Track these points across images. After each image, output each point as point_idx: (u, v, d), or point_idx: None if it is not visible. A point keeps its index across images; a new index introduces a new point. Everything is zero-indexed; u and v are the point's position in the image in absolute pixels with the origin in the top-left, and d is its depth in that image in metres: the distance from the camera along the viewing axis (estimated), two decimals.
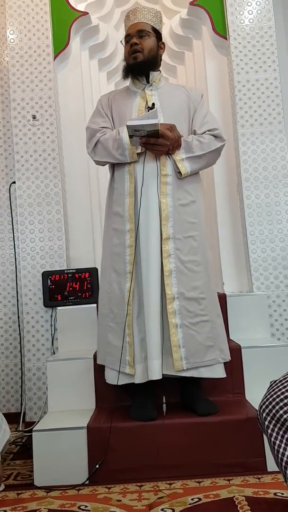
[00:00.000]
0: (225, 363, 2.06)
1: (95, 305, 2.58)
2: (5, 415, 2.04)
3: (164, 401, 2.00)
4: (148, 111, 2.07)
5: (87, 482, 1.85)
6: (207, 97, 2.99)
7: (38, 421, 2.17)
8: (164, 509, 1.58)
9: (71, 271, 2.74)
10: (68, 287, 2.71)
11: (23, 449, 2.31)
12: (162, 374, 1.92)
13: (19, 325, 2.88)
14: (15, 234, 2.95)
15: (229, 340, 2.41)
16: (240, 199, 2.83)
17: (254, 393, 2.15)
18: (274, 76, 2.81)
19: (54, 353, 2.68)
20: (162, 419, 1.93)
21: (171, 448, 1.87)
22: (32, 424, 2.51)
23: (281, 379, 1.10)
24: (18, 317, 2.89)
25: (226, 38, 2.89)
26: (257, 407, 1.95)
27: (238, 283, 2.85)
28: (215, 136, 2.12)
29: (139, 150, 2.03)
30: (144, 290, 1.97)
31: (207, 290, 2.04)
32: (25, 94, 2.87)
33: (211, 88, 2.98)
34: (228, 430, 1.89)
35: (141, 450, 1.88)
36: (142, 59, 2.12)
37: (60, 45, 2.96)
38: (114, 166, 2.15)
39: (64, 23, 2.96)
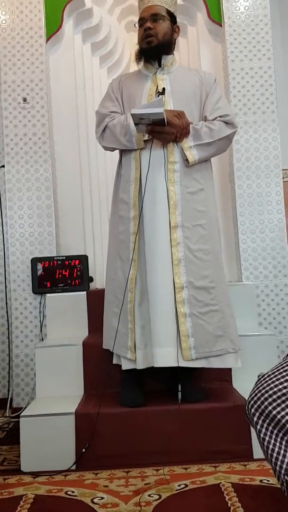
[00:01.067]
0: None
1: (84, 292, 2.58)
2: None
3: (179, 389, 1.95)
4: (158, 96, 2.03)
5: (74, 467, 1.85)
6: None
7: (26, 407, 2.17)
8: (151, 495, 1.59)
9: (60, 258, 2.72)
10: (58, 274, 2.70)
11: (9, 435, 2.31)
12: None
13: (7, 312, 2.85)
14: (3, 220, 2.91)
15: None
16: (231, 189, 2.83)
17: (242, 381, 2.17)
18: (268, 65, 2.79)
19: (42, 340, 2.67)
20: (152, 405, 1.94)
21: (158, 434, 1.88)
22: (19, 410, 2.51)
23: (269, 373, 1.05)
24: (6, 303, 2.86)
25: (221, 25, 2.86)
26: (244, 395, 1.98)
27: (228, 273, 2.85)
28: (226, 123, 2.07)
29: (146, 137, 2.00)
30: (149, 278, 1.95)
31: (217, 279, 2.01)
32: (16, 77, 2.82)
33: None
34: (216, 417, 1.90)
35: (128, 436, 1.89)
36: (155, 44, 2.07)
37: (53, 27, 2.90)
38: (121, 153, 2.13)
39: (57, 5, 2.90)
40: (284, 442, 0.99)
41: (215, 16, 2.87)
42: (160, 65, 2.13)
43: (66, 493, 1.65)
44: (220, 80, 2.90)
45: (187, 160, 2.01)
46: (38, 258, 2.71)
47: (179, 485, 1.65)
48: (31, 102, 2.81)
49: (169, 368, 1.97)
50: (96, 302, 2.44)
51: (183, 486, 1.65)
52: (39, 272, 2.70)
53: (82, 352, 2.21)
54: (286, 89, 3.14)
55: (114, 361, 2.09)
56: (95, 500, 1.57)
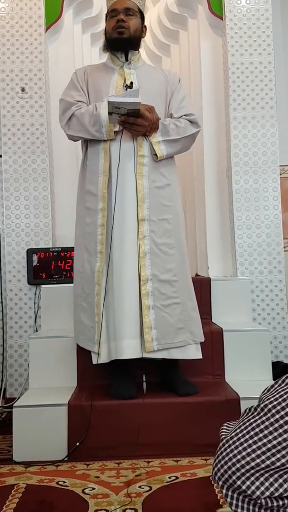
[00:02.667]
0: (202, 345, 2.07)
1: None
2: None
3: (144, 380, 2.02)
4: (126, 89, 2.04)
5: (66, 458, 1.86)
6: (200, 78, 2.95)
7: (19, 397, 2.18)
8: (142, 486, 1.60)
9: (56, 249, 2.72)
10: (53, 266, 2.70)
11: (2, 425, 2.32)
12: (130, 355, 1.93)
13: (2, 302, 2.85)
14: (0, 210, 2.90)
15: (211, 322, 2.43)
16: (228, 184, 2.83)
17: (234, 375, 2.19)
18: (269, 60, 2.78)
19: (36, 331, 2.67)
20: (142, 398, 1.95)
21: (150, 427, 1.89)
22: (12, 400, 2.51)
23: (233, 435, 0.95)
24: (1, 294, 2.86)
25: (222, 19, 2.84)
26: (236, 390, 2.00)
27: (223, 268, 2.87)
28: (191, 122, 2.11)
29: (116, 128, 1.99)
30: (115, 270, 1.96)
31: (180, 273, 2.05)
32: (15, 66, 2.79)
33: (205, 69, 2.94)
34: (207, 411, 1.92)
35: (120, 428, 1.90)
36: (127, 36, 2.08)
37: (53, 17, 2.87)
38: (87, 143, 2.10)
39: None
40: (257, 510, 0.92)
41: (217, 9, 2.85)
42: (127, 59, 2.14)
43: (57, 483, 1.66)
44: (219, 74, 2.91)
45: (155, 154, 2.03)
46: (33, 249, 2.71)
47: (169, 477, 1.67)
48: (29, 92, 2.79)
49: (156, 361, 1.99)
50: None
51: (174, 478, 1.66)
52: (35, 263, 2.70)
53: (75, 344, 2.21)
54: (285, 85, 3.13)
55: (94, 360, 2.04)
56: (86, 491, 1.59)
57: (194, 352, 2.05)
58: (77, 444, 1.87)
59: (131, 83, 2.05)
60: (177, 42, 3.33)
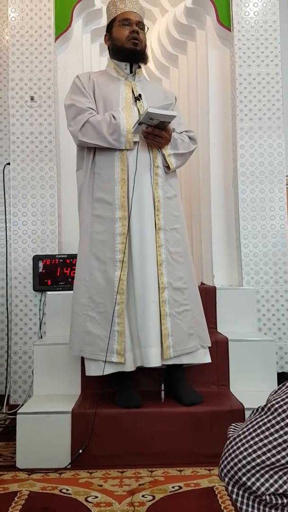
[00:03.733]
0: (212, 352, 2.11)
1: None
2: None
3: (162, 389, 2.03)
4: (135, 101, 2.08)
5: (69, 466, 1.86)
6: (208, 88, 2.97)
7: (23, 404, 2.18)
8: (145, 496, 1.60)
9: (62, 256, 2.73)
10: (59, 272, 2.71)
11: (6, 431, 2.31)
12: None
13: (7, 308, 2.86)
14: (7, 217, 2.92)
15: (216, 332, 2.43)
16: (235, 193, 2.83)
17: (239, 386, 2.18)
18: (276, 71, 2.80)
19: (41, 338, 2.67)
20: (149, 407, 1.95)
21: (154, 436, 1.89)
22: (16, 407, 2.51)
23: (240, 433, 0.97)
24: (7, 300, 2.87)
25: (230, 30, 2.86)
26: (241, 400, 1.99)
27: (229, 277, 2.86)
28: (190, 138, 2.18)
29: (136, 139, 2.01)
30: (138, 279, 1.97)
31: (189, 280, 2.10)
32: (24, 75, 2.83)
33: (212, 80, 2.96)
34: (212, 421, 1.91)
35: (124, 437, 1.89)
36: (140, 49, 2.13)
37: (62, 26, 2.91)
38: (95, 150, 2.08)
39: (67, 4, 2.91)
40: (261, 508, 0.93)
41: (225, 20, 2.88)
42: (131, 71, 2.17)
43: (60, 491, 1.66)
44: (227, 84, 2.93)
45: (167, 166, 2.08)
46: (39, 256, 2.72)
47: (173, 487, 1.66)
48: (38, 101, 2.82)
49: (160, 369, 1.99)
50: None
51: (177, 488, 1.65)
52: (40, 269, 2.71)
53: None
54: None
55: (88, 372, 2.02)
56: (89, 499, 1.58)
57: (202, 357, 2.09)
58: (80, 451, 1.87)
59: (140, 95, 2.09)
60: (185, 52, 3.35)
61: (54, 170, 2.79)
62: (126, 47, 2.11)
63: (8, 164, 2.86)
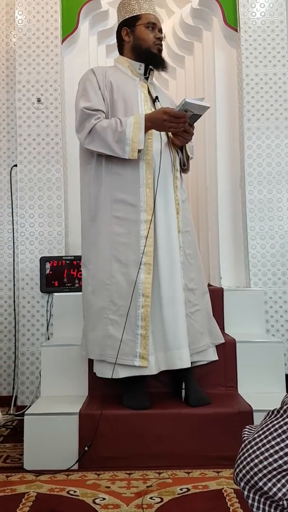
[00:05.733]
0: (220, 355, 2.16)
1: None
2: None
3: (183, 387, 2.05)
4: (153, 103, 2.09)
5: (76, 466, 1.85)
6: (215, 89, 2.97)
7: (30, 405, 2.17)
8: (153, 498, 1.59)
9: (69, 257, 2.73)
10: (66, 274, 2.71)
11: (13, 432, 2.31)
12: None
13: (14, 310, 2.87)
14: (14, 218, 2.93)
15: (224, 333, 2.41)
16: (242, 194, 2.82)
17: (247, 387, 2.17)
18: (283, 72, 2.79)
19: (48, 339, 2.68)
20: (156, 409, 1.94)
21: (161, 437, 1.88)
22: (24, 408, 2.51)
23: (255, 436, 0.95)
24: (14, 302, 2.88)
25: (236, 30, 2.86)
26: (249, 402, 1.97)
27: (236, 278, 2.85)
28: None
29: (141, 147, 1.93)
30: (166, 281, 1.98)
31: (199, 281, 2.15)
32: (31, 77, 2.84)
33: (219, 80, 2.95)
34: (220, 423, 1.89)
35: (131, 438, 1.89)
36: (162, 55, 2.16)
37: (69, 28, 2.92)
38: None
39: (74, 6, 2.91)
40: None
41: (231, 21, 2.87)
42: (145, 73, 2.17)
43: (68, 492, 1.65)
44: (234, 85, 2.92)
45: (184, 169, 2.15)
46: (46, 258, 2.72)
47: (181, 489, 1.65)
48: (45, 103, 2.82)
49: (171, 371, 1.98)
50: None
51: (185, 490, 1.64)
52: (47, 271, 2.71)
53: None
54: None
55: (102, 374, 2.00)
56: (97, 501, 1.58)
57: (211, 354, 2.14)
58: (86, 449, 1.86)
59: (156, 97, 2.11)
60: (192, 53, 3.35)
61: (61, 171, 2.80)
62: (153, 51, 2.12)
63: (15, 165, 2.87)
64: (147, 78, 2.17)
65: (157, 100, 2.11)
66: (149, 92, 2.13)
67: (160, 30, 2.15)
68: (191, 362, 2.00)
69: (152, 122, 1.94)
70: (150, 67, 2.16)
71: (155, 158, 2.01)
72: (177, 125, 1.91)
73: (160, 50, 2.14)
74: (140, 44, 2.12)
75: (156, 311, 1.97)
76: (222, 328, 2.47)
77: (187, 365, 1.93)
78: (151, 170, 2.01)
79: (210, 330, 2.14)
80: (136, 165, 2.01)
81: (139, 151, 1.94)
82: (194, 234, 2.19)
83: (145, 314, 1.95)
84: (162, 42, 2.16)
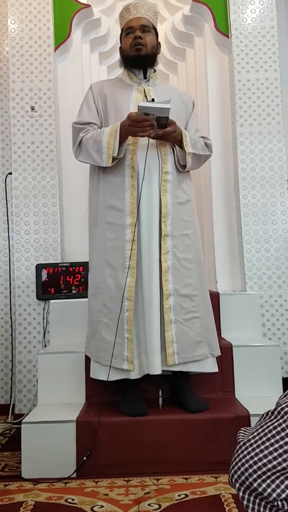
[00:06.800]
0: (217, 359, 2.09)
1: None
2: None
3: (160, 395, 2.01)
4: (153, 101, 2.04)
5: (74, 475, 1.85)
6: (207, 95, 2.98)
7: (27, 414, 2.17)
8: (151, 504, 1.59)
9: (65, 264, 2.74)
10: (62, 281, 2.71)
11: (11, 441, 2.31)
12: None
13: (11, 317, 2.87)
14: (10, 226, 2.93)
15: (220, 338, 2.42)
16: (236, 198, 2.84)
17: (244, 392, 2.17)
18: (275, 76, 2.81)
19: (45, 346, 2.67)
20: (154, 415, 1.94)
21: (159, 444, 1.88)
22: (21, 416, 2.51)
23: (250, 438, 0.95)
24: (10, 309, 2.88)
25: (228, 36, 2.88)
26: (247, 406, 1.98)
27: (232, 282, 2.86)
28: (206, 144, 2.17)
29: (115, 154, 1.97)
30: (145, 285, 1.97)
31: (199, 287, 2.07)
32: (24, 85, 2.85)
33: (211, 86, 2.97)
34: (217, 428, 1.90)
35: (129, 445, 1.89)
36: (145, 53, 2.11)
37: (61, 36, 2.93)
38: None
39: (66, 14, 2.93)
40: None
41: (223, 27, 2.90)
42: (145, 77, 2.16)
43: (66, 500, 1.65)
44: (226, 90, 2.94)
45: (183, 165, 2.06)
46: (43, 265, 2.72)
47: (179, 495, 1.65)
48: (39, 111, 2.84)
49: (167, 376, 1.97)
50: None
51: (183, 496, 1.64)
52: (44, 278, 2.71)
53: (84, 360, 2.21)
54: None
55: (96, 376, 2.03)
56: (95, 509, 1.57)
57: (211, 366, 2.07)
58: (84, 458, 1.86)
59: (153, 99, 2.07)
60: (184, 60, 3.37)
61: (56, 179, 2.81)
62: (130, 55, 2.12)
63: (10, 173, 2.88)
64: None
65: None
66: (146, 95, 2.13)
67: (142, 27, 2.11)
68: (187, 371, 2.00)
69: (124, 129, 1.95)
70: (148, 69, 2.16)
71: (139, 163, 2.01)
72: (142, 129, 1.91)
73: (138, 50, 2.09)
74: (123, 54, 2.17)
75: (140, 314, 1.98)
76: (218, 332, 2.48)
77: (156, 371, 1.91)
78: (136, 174, 2.01)
79: (210, 339, 2.07)
80: (122, 171, 2.04)
81: (116, 158, 2.00)
82: (196, 238, 2.12)
83: (129, 318, 1.96)
84: (146, 39, 2.10)
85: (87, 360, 2.19)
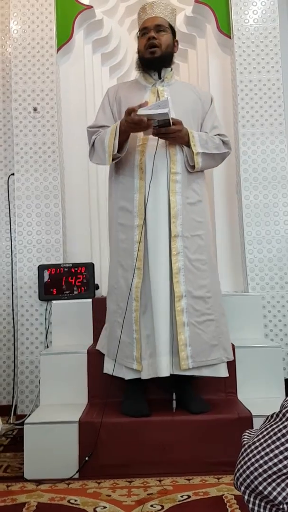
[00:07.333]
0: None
1: (90, 300, 2.58)
2: None
3: (174, 398, 2.00)
4: None
5: (76, 475, 1.85)
6: None
7: (30, 414, 2.17)
8: (154, 505, 1.59)
9: (67, 265, 2.74)
10: (64, 281, 2.71)
11: (13, 442, 2.31)
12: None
13: (13, 318, 2.87)
14: (12, 227, 2.94)
15: None
16: (238, 199, 2.84)
17: (247, 393, 2.17)
18: (277, 77, 2.81)
19: (47, 347, 2.67)
20: (156, 416, 1.94)
21: (161, 444, 1.88)
22: (24, 417, 2.50)
23: (255, 441, 0.95)
24: (13, 310, 2.88)
25: (230, 37, 2.88)
26: (249, 407, 1.97)
27: (234, 283, 2.86)
28: (223, 142, 2.15)
29: (115, 152, 1.99)
30: (152, 286, 1.96)
31: (213, 289, 2.05)
32: (27, 86, 2.85)
33: (213, 87, 2.97)
34: (220, 429, 1.90)
35: (131, 446, 1.89)
36: (159, 54, 2.10)
37: (64, 38, 2.94)
38: (120, 161, 2.11)
39: (68, 15, 2.94)
40: None
41: (225, 28, 2.90)
42: (160, 77, 2.15)
43: (68, 501, 1.65)
44: (228, 91, 2.94)
45: (192, 166, 2.04)
46: (45, 265, 2.73)
47: (181, 496, 1.65)
48: (41, 112, 2.84)
49: (171, 378, 1.97)
50: (101, 310, 2.44)
51: (186, 497, 1.64)
52: (46, 279, 2.71)
53: (86, 360, 2.21)
54: None
55: (114, 373, 2.04)
56: (98, 509, 1.57)
57: (224, 371, 2.05)
58: (86, 458, 1.86)
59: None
60: (186, 61, 3.37)
61: (58, 179, 2.81)
62: (145, 57, 2.12)
63: (13, 174, 2.88)
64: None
65: None
66: (159, 96, 2.12)
67: (157, 27, 2.10)
68: (199, 375, 1.99)
69: (123, 125, 1.96)
70: (163, 69, 2.15)
71: (147, 164, 2.01)
72: (139, 128, 1.92)
73: (152, 52, 2.09)
74: (139, 55, 2.17)
75: (149, 316, 1.97)
76: None
77: (162, 374, 1.90)
78: (144, 176, 2.02)
79: (225, 343, 2.05)
80: (131, 172, 2.05)
81: (118, 156, 2.02)
82: (208, 239, 2.10)
83: (136, 318, 1.97)
84: (160, 39, 2.09)
85: (89, 360, 2.20)
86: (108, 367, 2.08)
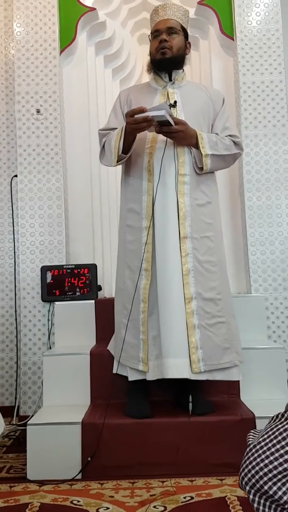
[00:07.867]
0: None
1: (93, 301, 2.59)
2: None
3: (190, 400, 1.97)
4: (170, 108, 2.03)
5: (79, 476, 1.85)
6: None
7: (33, 415, 2.17)
8: (156, 506, 1.58)
9: (70, 266, 2.74)
10: (67, 283, 2.71)
11: (16, 443, 2.31)
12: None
13: (16, 319, 2.87)
14: (15, 228, 2.95)
15: None
16: (241, 201, 2.84)
17: (249, 394, 2.16)
18: (280, 79, 2.81)
19: (50, 348, 2.68)
20: (159, 417, 1.94)
21: (164, 446, 1.88)
22: (26, 418, 2.51)
23: (261, 440, 0.95)
24: (16, 311, 2.88)
25: (233, 39, 2.89)
26: (252, 409, 1.97)
27: (237, 284, 2.86)
28: (234, 143, 2.13)
29: (120, 153, 2.00)
30: (160, 288, 1.94)
31: (223, 291, 2.04)
32: (30, 88, 2.87)
33: (217, 89, 2.97)
34: (223, 430, 1.89)
35: (134, 447, 1.89)
36: (170, 56, 2.09)
37: (67, 40, 2.95)
38: (129, 163, 2.12)
39: (71, 18, 2.95)
40: None
41: (227, 30, 2.90)
42: (170, 79, 2.15)
43: (71, 502, 1.65)
44: (231, 93, 2.94)
45: (200, 168, 2.03)
46: (47, 267, 2.73)
47: (184, 497, 1.64)
48: (44, 114, 2.85)
49: (176, 380, 1.96)
50: (104, 311, 2.45)
51: (189, 498, 1.64)
52: (48, 280, 2.72)
53: (89, 361, 2.21)
54: None
55: (118, 371, 2.05)
56: (100, 510, 1.57)
57: (236, 374, 2.01)
58: (89, 459, 1.86)
59: (175, 102, 2.07)
60: (189, 62, 3.37)
61: (61, 181, 2.82)
62: (156, 59, 2.12)
63: (16, 176, 2.89)
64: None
65: (174, 105, 2.05)
66: (169, 98, 2.12)
67: (169, 29, 2.09)
68: (212, 379, 1.97)
69: (128, 127, 1.96)
70: (174, 71, 2.15)
71: (155, 166, 2.02)
72: (139, 127, 1.93)
73: (163, 53, 2.08)
74: (150, 57, 2.16)
75: (156, 317, 1.96)
76: None
77: (173, 375, 1.86)
78: (152, 177, 2.02)
79: (237, 346, 2.02)
80: (140, 174, 2.06)
81: (124, 157, 2.04)
82: (218, 241, 2.08)
83: (144, 320, 1.96)
84: (172, 41, 2.08)
85: (92, 362, 2.20)
86: (117, 369, 2.08)
